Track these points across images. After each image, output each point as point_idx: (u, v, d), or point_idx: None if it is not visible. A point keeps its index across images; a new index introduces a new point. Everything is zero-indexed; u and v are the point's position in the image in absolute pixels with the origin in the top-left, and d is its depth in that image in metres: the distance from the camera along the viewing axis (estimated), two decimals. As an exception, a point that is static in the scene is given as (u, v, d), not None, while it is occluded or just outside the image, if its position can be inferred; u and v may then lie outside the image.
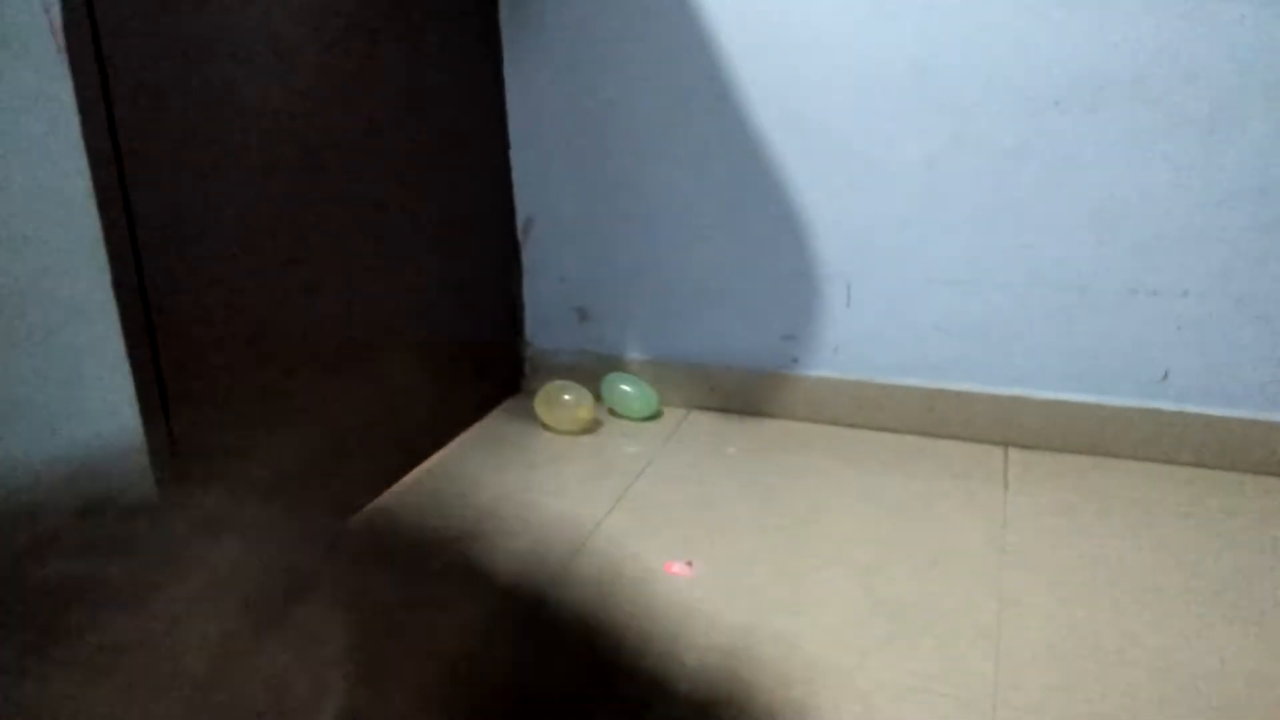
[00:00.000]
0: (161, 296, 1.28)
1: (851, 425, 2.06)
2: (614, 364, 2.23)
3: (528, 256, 2.26)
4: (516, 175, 2.19)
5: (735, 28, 1.90)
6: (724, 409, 2.15)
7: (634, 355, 2.21)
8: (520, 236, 2.24)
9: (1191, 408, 1.82)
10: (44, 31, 1.09)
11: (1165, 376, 1.83)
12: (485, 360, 2.20)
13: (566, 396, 2.05)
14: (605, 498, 1.79)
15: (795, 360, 2.09)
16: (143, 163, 1.24)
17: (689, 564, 1.56)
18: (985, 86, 1.78)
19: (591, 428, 2.06)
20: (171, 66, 1.27)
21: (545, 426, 2.07)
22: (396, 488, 1.86)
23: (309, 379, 1.59)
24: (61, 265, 1.13)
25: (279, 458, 1.54)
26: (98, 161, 1.17)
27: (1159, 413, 1.84)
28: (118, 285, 1.21)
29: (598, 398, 2.12)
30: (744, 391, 2.12)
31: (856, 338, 2.02)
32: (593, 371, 2.24)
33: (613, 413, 2.14)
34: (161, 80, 1.26)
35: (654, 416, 2.12)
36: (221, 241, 1.39)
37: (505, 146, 2.16)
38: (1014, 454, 1.92)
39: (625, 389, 2.11)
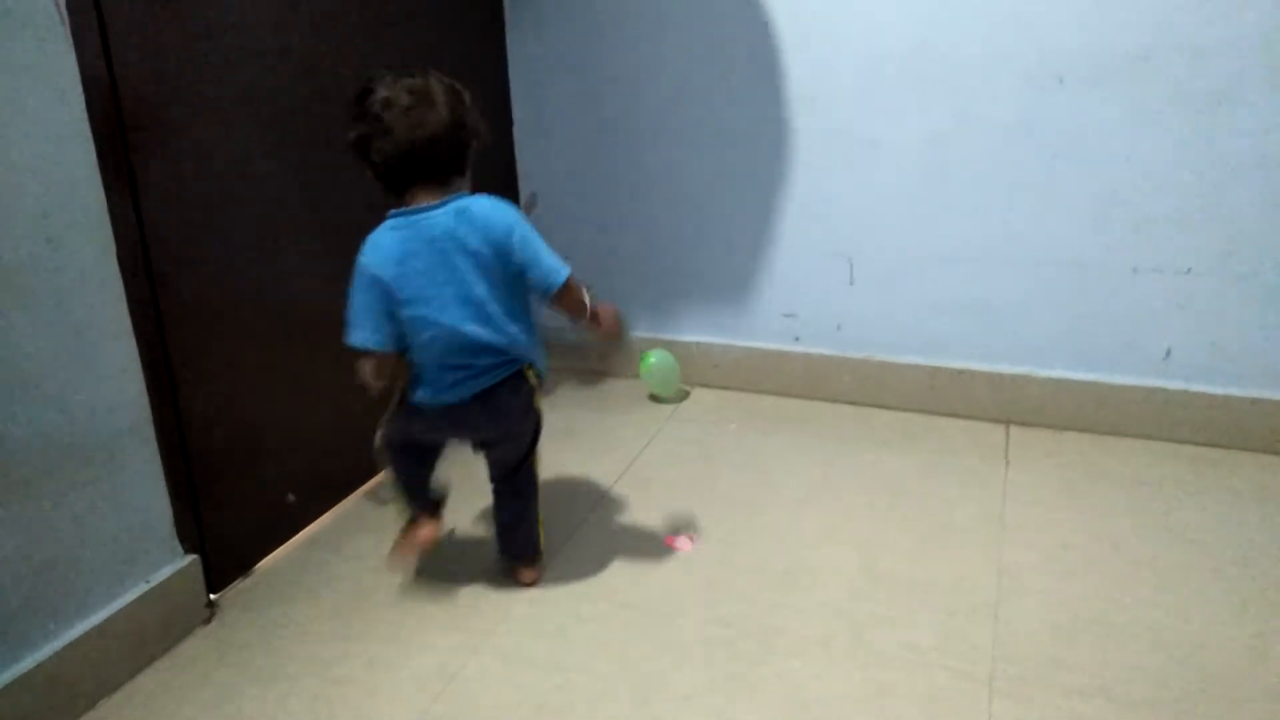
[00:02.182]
0: (165, 269, 1.29)
1: (853, 402, 2.07)
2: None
3: (531, 234, 2.26)
4: (519, 153, 2.19)
5: (739, 6, 1.90)
6: (726, 386, 2.16)
7: (637, 333, 2.21)
8: (523, 214, 2.24)
9: (1193, 386, 1.83)
10: (48, 5, 1.10)
11: (1167, 355, 1.83)
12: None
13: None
14: (609, 472, 1.80)
15: (797, 338, 2.09)
16: (146, 136, 1.24)
17: (690, 538, 1.57)
18: (987, 64, 1.77)
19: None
20: (175, 43, 1.27)
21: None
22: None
23: (315, 356, 1.60)
24: (66, 237, 1.14)
25: (284, 430, 1.55)
26: (101, 134, 1.17)
27: (1160, 391, 1.84)
28: (121, 257, 1.22)
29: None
30: (746, 369, 2.13)
31: (858, 315, 2.03)
32: (595, 349, 2.25)
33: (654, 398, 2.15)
34: (165, 56, 1.26)
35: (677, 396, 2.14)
36: (226, 216, 1.39)
37: (509, 124, 2.16)
38: (1015, 431, 1.92)
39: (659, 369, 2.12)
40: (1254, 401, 1.79)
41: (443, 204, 1.29)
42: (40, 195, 1.11)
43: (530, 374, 1.40)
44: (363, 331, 1.29)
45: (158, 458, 1.30)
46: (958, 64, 1.79)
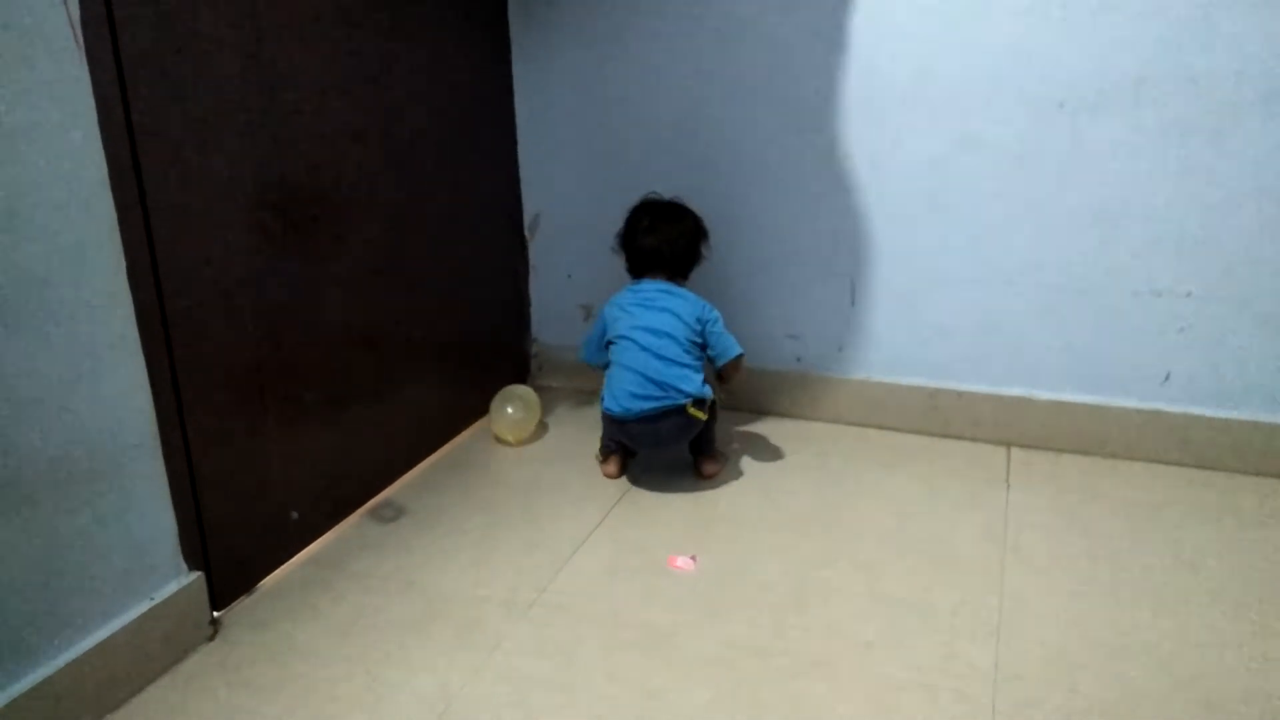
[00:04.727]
0: (175, 288, 1.30)
1: (855, 424, 2.08)
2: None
3: (535, 254, 2.27)
4: (524, 173, 2.21)
5: (745, 30, 1.92)
6: (728, 407, 2.16)
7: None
8: (527, 234, 2.25)
9: (1193, 409, 1.83)
10: (62, 26, 1.11)
11: (1167, 378, 1.84)
12: (493, 356, 2.21)
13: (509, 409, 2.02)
14: (610, 492, 1.80)
15: (799, 359, 2.10)
16: (157, 155, 1.25)
17: (693, 558, 1.57)
18: (989, 90, 1.79)
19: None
20: (187, 63, 1.29)
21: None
22: (408, 478, 1.87)
23: (321, 373, 1.61)
24: (77, 255, 1.15)
25: (292, 449, 1.55)
26: (113, 153, 1.19)
27: (1161, 414, 1.85)
28: (132, 275, 1.22)
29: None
30: (748, 389, 2.13)
31: (861, 337, 2.04)
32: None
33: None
34: (176, 76, 1.27)
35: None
36: (236, 235, 1.40)
37: (513, 144, 2.17)
38: (1016, 453, 1.93)
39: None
40: (1254, 425, 1.80)
41: (658, 283, 1.83)
42: (51, 212, 1.12)
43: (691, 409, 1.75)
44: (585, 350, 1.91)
45: (163, 475, 1.30)
46: (959, 88, 1.81)
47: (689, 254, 1.85)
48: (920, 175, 1.88)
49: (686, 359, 1.75)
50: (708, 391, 1.76)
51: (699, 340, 1.78)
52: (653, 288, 1.82)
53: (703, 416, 1.76)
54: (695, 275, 1.91)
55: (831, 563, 1.56)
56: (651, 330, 1.75)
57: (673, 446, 1.83)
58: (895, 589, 1.48)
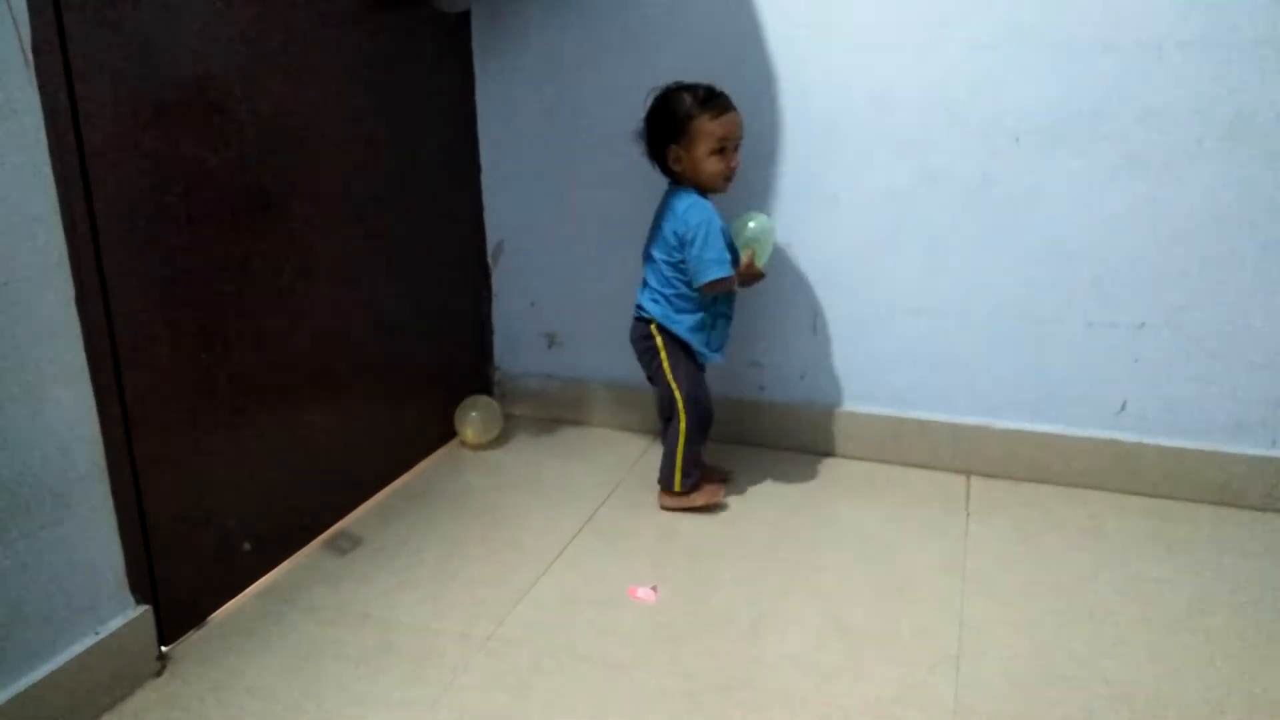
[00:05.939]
0: (126, 316, 1.28)
1: (816, 452, 2.08)
2: (581, 389, 2.24)
3: (497, 281, 2.26)
4: (487, 200, 2.20)
5: (705, 61, 1.93)
6: (690, 435, 2.16)
7: (601, 380, 2.21)
8: (490, 261, 2.24)
9: (1148, 438, 1.86)
10: (13, 47, 1.09)
11: (1123, 408, 1.87)
12: (454, 384, 2.19)
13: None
14: (571, 521, 1.78)
15: (762, 387, 2.11)
16: (109, 182, 1.23)
17: (653, 589, 1.56)
18: (947, 123, 1.82)
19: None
20: (139, 88, 1.27)
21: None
22: (365, 508, 1.84)
23: (276, 401, 1.58)
24: (24, 281, 1.12)
25: (245, 478, 1.52)
26: (63, 178, 1.17)
27: (1117, 443, 1.87)
28: (80, 302, 1.20)
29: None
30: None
31: (822, 366, 2.04)
32: (560, 396, 2.25)
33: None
34: (128, 102, 1.26)
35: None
36: (189, 264, 1.38)
37: (476, 171, 2.17)
38: (975, 482, 1.94)
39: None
40: (1207, 454, 1.82)
41: (671, 190, 1.79)
42: (-2, 238, 1.09)
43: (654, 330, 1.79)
44: None
45: (110, 505, 1.27)
46: (916, 123, 1.83)
47: (653, 152, 1.79)
48: (880, 206, 1.90)
49: (662, 288, 1.77)
50: (668, 321, 1.77)
51: (680, 261, 1.75)
52: (666, 197, 1.80)
53: (658, 340, 1.78)
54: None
55: (792, 593, 1.55)
56: (647, 254, 1.81)
57: (641, 362, 1.85)
58: (855, 619, 1.48)
